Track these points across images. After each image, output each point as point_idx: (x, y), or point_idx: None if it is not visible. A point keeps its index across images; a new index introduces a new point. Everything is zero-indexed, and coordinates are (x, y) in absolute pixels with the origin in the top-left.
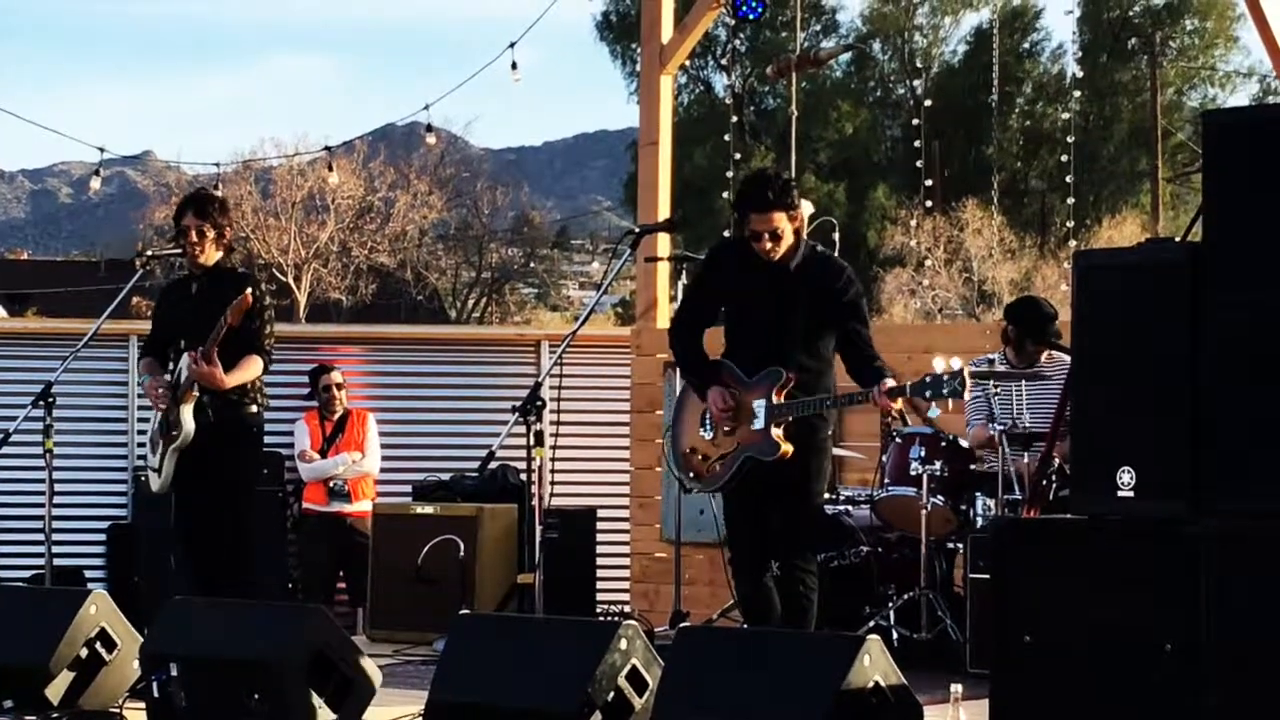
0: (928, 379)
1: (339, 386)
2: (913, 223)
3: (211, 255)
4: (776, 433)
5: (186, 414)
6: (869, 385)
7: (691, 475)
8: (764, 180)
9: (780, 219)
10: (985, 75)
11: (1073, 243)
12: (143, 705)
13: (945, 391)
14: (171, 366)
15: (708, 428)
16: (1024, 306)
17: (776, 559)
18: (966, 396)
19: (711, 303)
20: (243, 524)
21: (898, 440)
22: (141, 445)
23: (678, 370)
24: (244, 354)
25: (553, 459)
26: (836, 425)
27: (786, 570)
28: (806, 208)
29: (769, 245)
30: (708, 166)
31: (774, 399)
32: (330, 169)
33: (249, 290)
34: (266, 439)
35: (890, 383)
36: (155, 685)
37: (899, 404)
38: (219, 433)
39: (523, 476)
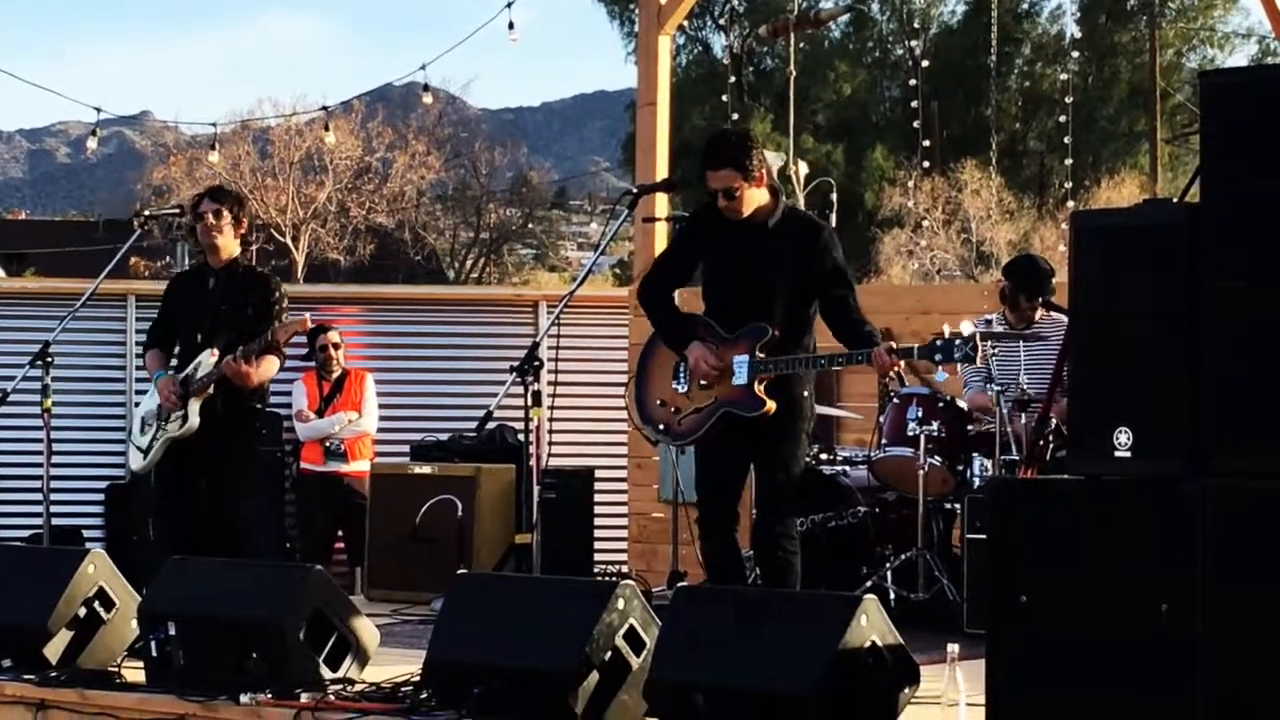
0: (938, 342)
1: (336, 346)
2: (911, 183)
3: (229, 246)
4: (759, 389)
5: (195, 408)
6: (860, 348)
7: (661, 428)
8: (720, 138)
9: (732, 176)
10: (984, 36)
11: (1071, 203)
12: (141, 664)
13: (957, 356)
14: (177, 354)
15: (681, 380)
16: (1020, 263)
17: (758, 522)
18: (979, 363)
19: (685, 263)
20: (238, 512)
21: (895, 401)
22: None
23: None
24: (262, 352)
25: (550, 419)
26: (835, 386)
27: (765, 535)
28: (803, 169)
29: (725, 203)
30: (706, 127)
31: (757, 354)
32: (328, 129)
33: (307, 315)
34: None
35: (894, 343)
36: (153, 644)
37: (900, 365)
38: (221, 422)
39: (520, 436)
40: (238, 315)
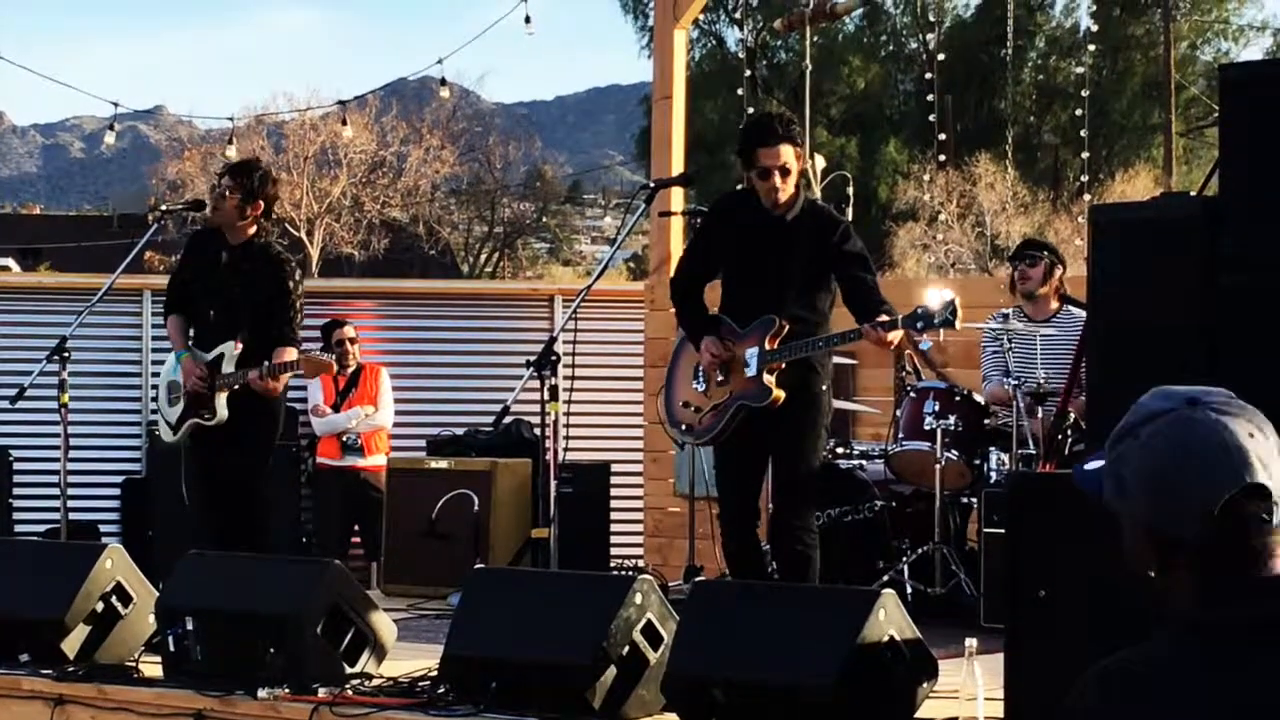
0: (919, 310)
1: (352, 341)
2: (925, 177)
3: (238, 224)
4: (768, 379)
5: (222, 402)
6: (864, 322)
7: (684, 428)
8: (769, 117)
9: (788, 153)
10: (998, 29)
11: (1086, 197)
12: (158, 659)
13: (937, 322)
14: (193, 331)
15: (700, 379)
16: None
17: (775, 516)
18: (958, 326)
19: (711, 255)
20: (258, 495)
21: (912, 395)
22: (156, 400)
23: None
24: (276, 343)
25: (567, 414)
26: (851, 380)
27: (783, 528)
28: (819, 163)
29: (778, 182)
30: (719, 121)
31: (766, 345)
32: (344, 123)
33: (333, 358)
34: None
35: (884, 317)
36: (171, 639)
37: (893, 337)
38: (242, 408)
39: (537, 431)
40: (252, 302)
